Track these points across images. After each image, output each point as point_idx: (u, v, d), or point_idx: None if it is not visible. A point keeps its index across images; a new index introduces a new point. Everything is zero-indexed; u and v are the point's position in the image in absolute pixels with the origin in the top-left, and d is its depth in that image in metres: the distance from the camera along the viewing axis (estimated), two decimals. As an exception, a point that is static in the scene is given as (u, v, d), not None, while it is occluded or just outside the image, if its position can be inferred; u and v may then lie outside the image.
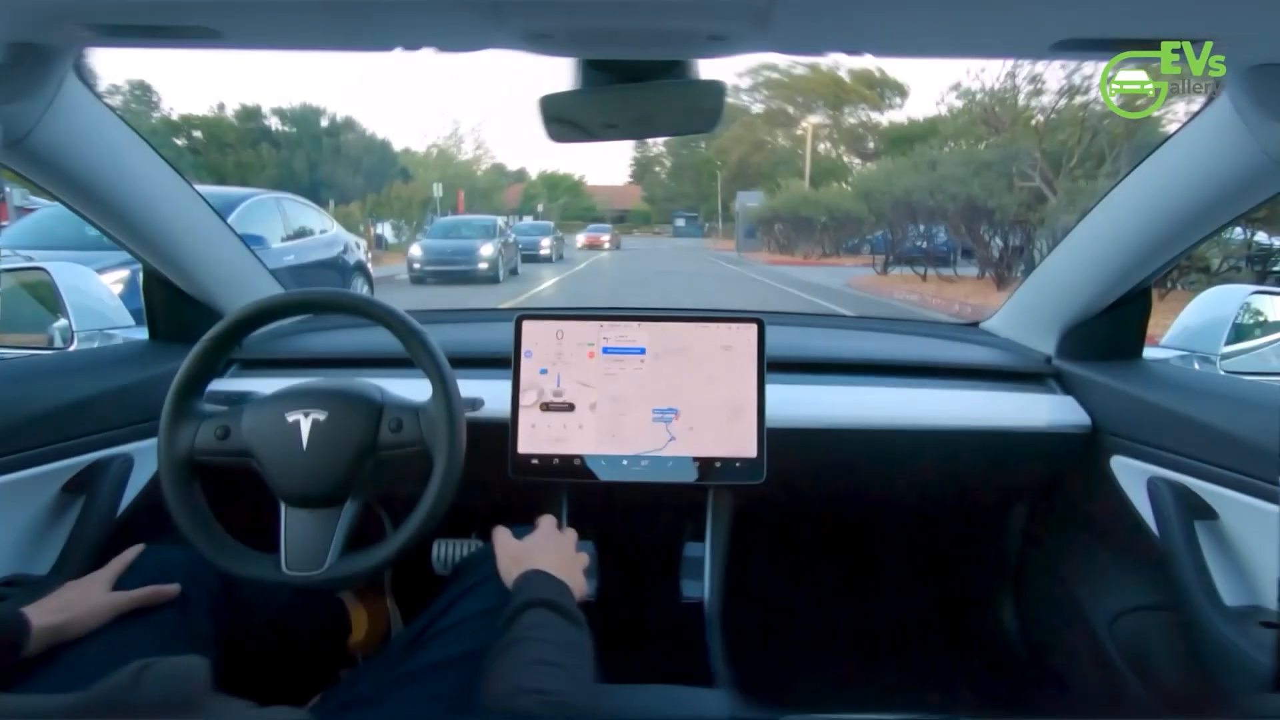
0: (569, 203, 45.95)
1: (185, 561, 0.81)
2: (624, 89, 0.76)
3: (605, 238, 27.46)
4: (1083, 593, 1.14)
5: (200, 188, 1.21)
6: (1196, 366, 1.23)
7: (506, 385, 1.00)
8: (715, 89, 0.77)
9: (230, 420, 0.81)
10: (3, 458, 0.85)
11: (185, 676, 0.37)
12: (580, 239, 26.69)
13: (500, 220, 13.84)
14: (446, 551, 1.06)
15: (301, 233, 5.91)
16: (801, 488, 1.21)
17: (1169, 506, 0.91)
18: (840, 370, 1.17)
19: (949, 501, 1.36)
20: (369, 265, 7.42)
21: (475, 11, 0.57)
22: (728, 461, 0.98)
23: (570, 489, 1.07)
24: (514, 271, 13.11)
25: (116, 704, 0.35)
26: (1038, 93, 10.71)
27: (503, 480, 0.98)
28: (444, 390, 0.81)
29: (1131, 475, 1.00)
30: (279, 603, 0.97)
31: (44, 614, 0.68)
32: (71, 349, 1.25)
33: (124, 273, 3.26)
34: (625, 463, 0.99)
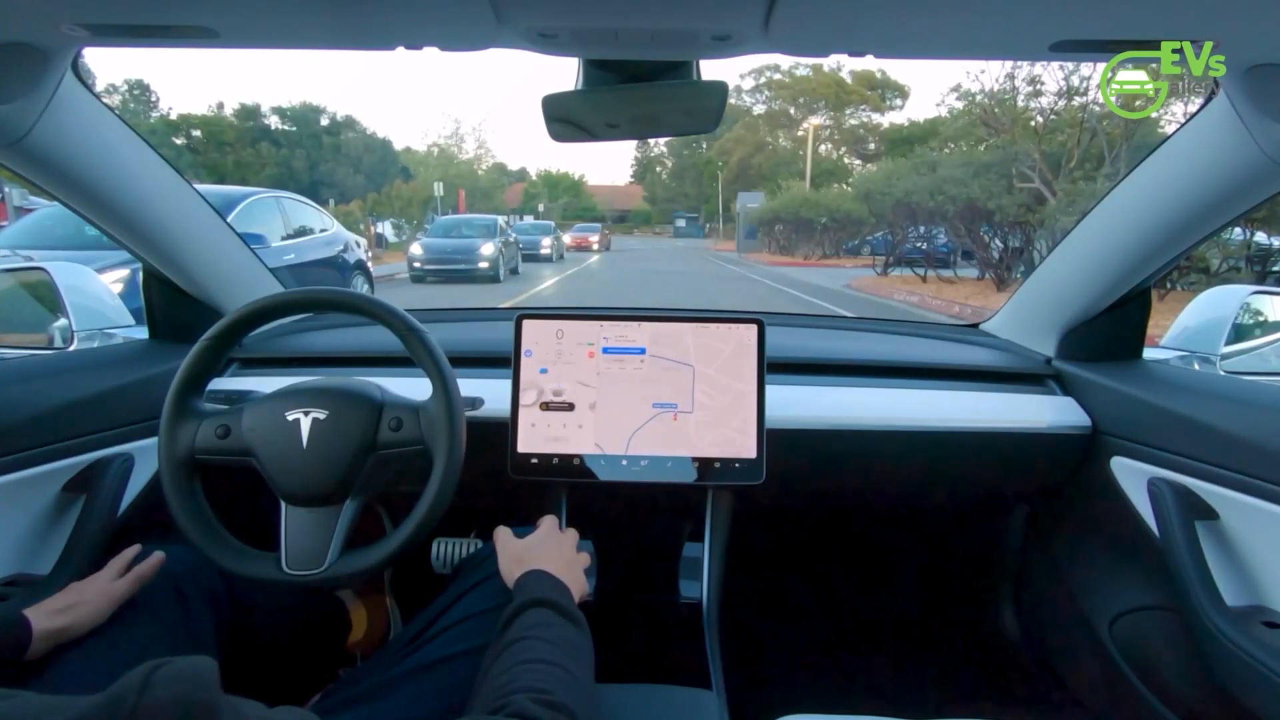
0: (570, 202, 45.95)
1: (185, 560, 0.81)
2: (626, 89, 0.76)
3: (594, 238, 26.37)
4: (1083, 593, 1.13)
5: (199, 187, 1.21)
6: (1196, 367, 1.23)
7: (506, 384, 1.00)
8: (717, 89, 0.77)
9: (230, 419, 0.81)
10: (3, 458, 0.85)
11: (196, 677, 0.37)
12: (566, 239, 25.17)
13: (501, 219, 13.85)
14: (446, 551, 1.06)
15: (301, 231, 5.91)
16: (801, 489, 1.21)
17: (1169, 507, 0.91)
18: (840, 371, 1.16)
19: (949, 503, 1.36)
20: (369, 264, 7.42)
21: (479, 11, 0.57)
22: (727, 462, 0.98)
23: (569, 489, 1.07)
24: (514, 271, 13.13)
25: (130, 705, 0.34)
26: (1037, 94, 10.74)
27: (502, 480, 0.98)
28: (444, 389, 0.81)
29: (1132, 476, 1.00)
30: (279, 602, 0.97)
31: (46, 617, 0.68)
32: (71, 349, 1.26)
33: (124, 272, 3.27)
34: (624, 463, 0.99)
